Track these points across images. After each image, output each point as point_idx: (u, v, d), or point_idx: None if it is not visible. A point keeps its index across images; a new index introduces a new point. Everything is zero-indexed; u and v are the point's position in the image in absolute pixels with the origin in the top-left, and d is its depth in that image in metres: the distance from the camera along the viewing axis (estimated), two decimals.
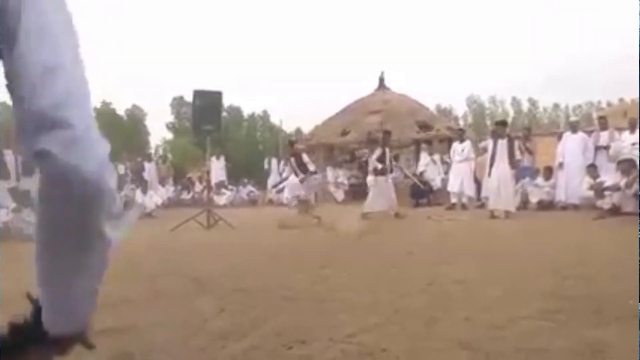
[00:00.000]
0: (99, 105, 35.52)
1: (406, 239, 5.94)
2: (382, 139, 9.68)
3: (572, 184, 9.40)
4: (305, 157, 8.69)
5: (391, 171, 9.49)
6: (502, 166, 8.26)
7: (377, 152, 9.10)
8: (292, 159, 8.89)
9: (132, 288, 3.44)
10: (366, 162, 14.00)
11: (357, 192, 13.49)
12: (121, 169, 13.56)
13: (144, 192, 11.34)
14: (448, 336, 2.25)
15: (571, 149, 9.75)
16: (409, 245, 5.30)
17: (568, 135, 10.09)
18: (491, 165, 8.47)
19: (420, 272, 3.82)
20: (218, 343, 2.27)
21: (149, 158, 16.99)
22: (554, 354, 2.01)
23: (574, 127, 10.23)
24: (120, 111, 36.60)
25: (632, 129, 9.26)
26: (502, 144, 8.32)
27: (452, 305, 2.79)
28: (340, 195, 13.30)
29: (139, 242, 6.56)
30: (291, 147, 9.42)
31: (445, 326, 2.41)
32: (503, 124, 9.20)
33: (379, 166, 8.90)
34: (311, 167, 8.66)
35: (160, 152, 28.90)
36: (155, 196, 11.79)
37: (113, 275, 3.68)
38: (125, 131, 32.79)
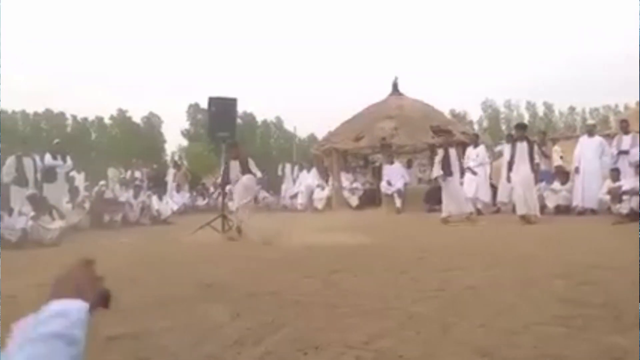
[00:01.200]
0: (115, 113, 36.13)
1: (417, 244, 5.91)
2: (443, 139, 9.54)
3: (588, 189, 9.25)
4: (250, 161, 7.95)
5: (462, 173, 9.05)
6: (523, 169, 8.09)
7: (440, 153, 8.83)
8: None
9: (146, 294, 3.47)
10: (379, 168, 13.99)
11: (371, 197, 13.49)
12: (137, 174, 13.75)
13: (160, 198, 11.46)
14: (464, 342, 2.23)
15: (587, 154, 9.60)
16: (421, 250, 5.28)
17: (585, 140, 9.94)
18: (509, 169, 8.34)
19: (433, 276, 3.80)
20: (234, 348, 2.28)
21: (175, 165, 17.25)
22: None
23: (590, 131, 10.09)
24: (137, 119, 37.11)
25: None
26: (522, 147, 8.14)
27: (468, 310, 2.77)
28: (354, 200, 13.27)
29: (155, 248, 6.66)
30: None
31: (460, 332, 2.40)
32: (523, 127, 9.00)
33: (440, 171, 8.59)
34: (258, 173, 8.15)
35: (176, 158, 29.11)
36: (171, 202, 11.91)
37: (127, 280, 3.74)
38: (141, 138, 33.21)
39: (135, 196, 10.62)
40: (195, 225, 7.71)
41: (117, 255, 5.61)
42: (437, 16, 68.09)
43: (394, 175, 12.60)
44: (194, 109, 37.17)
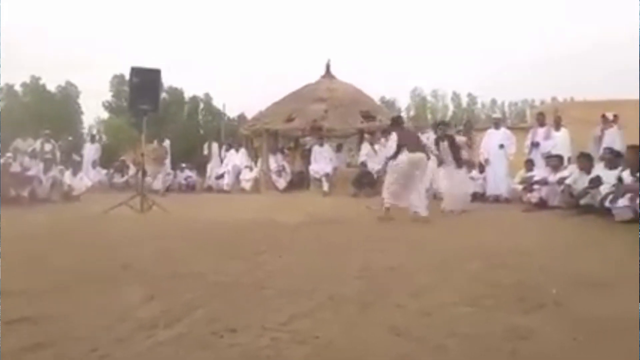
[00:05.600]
0: (28, 80, 33.24)
1: (343, 227, 6.00)
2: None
3: (498, 178, 9.86)
4: None
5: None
6: (449, 169, 7.85)
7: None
8: None
9: (54, 274, 3.23)
10: (309, 151, 13.99)
11: (299, 180, 13.50)
12: (47, 147, 12.68)
13: (75, 173, 10.73)
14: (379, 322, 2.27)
15: (494, 145, 10.17)
16: (346, 233, 5.35)
17: (492, 132, 10.50)
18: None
19: (357, 258, 3.85)
20: (145, 331, 2.16)
21: (92, 138, 16.16)
22: (481, 339, 2.07)
23: (496, 124, 10.68)
24: (52, 87, 34.36)
25: (556, 126, 9.83)
26: (445, 146, 7.81)
27: (386, 291, 2.83)
28: (282, 183, 13.19)
29: (67, 227, 6.22)
30: None
31: (377, 312, 2.44)
32: (445, 124, 8.82)
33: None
34: None
35: (94, 132, 27.38)
36: (86, 178, 11.17)
37: (35, 261, 3.47)
38: (55, 108, 30.83)
39: (46, 170, 9.85)
40: (111, 203, 7.30)
41: (25, 234, 5.18)
42: (372, 4, 68.85)
43: (323, 159, 12.69)
44: (118, 80, 35.02)
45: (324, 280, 3.10)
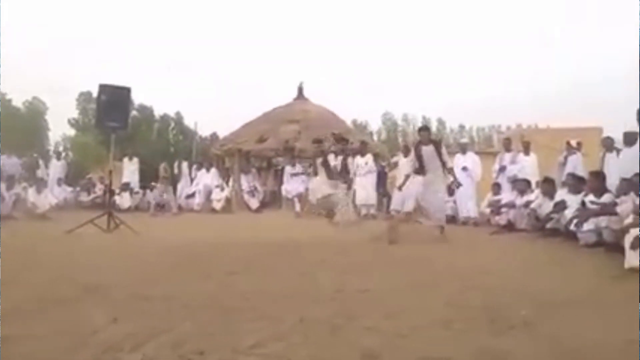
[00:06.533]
0: None
1: (316, 247, 5.96)
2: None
3: (464, 202, 10.03)
4: None
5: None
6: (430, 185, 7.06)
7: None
8: None
9: (13, 295, 3.08)
10: (282, 171, 13.98)
11: (271, 200, 13.41)
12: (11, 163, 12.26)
13: (39, 191, 10.37)
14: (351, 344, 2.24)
15: (460, 169, 10.35)
16: (320, 253, 5.32)
17: (459, 157, 10.70)
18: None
19: (331, 279, 3.82)
20: (109, 354, 2.08)
21: (57, 155, 15.70)
22: None
23: (463, 148, 10.91)
24: (18, 102, 33.44)
25: (525, 151, 10.15)
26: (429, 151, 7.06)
27: (359, 313, 2.80)
28: (254, 203, 13.09)
29: (29, 245, 5.98)
30: None
31: (349, 334, 2.41)
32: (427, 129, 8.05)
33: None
34: None
35: (61, 149, 26.66)
36: (51, 196, 10.81)
37: None
38: (21, 125, 29.94)
39: (9, 187, 9.51)
40: (77, 222, 7.08)
41: None
42: (346, 26, 70.15)
43: (296, 179, 12.69)
44: (84, 97, 34.37)
45: (296, 302, 3.06)
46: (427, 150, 6.95)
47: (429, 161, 6.91)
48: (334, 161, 10.70)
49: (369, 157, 11.63)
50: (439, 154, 6.91)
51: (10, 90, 32.56)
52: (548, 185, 7.65)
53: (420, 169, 7.00)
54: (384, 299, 3.23)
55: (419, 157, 6.98)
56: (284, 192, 12.76)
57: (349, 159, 10.61)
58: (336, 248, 5.94)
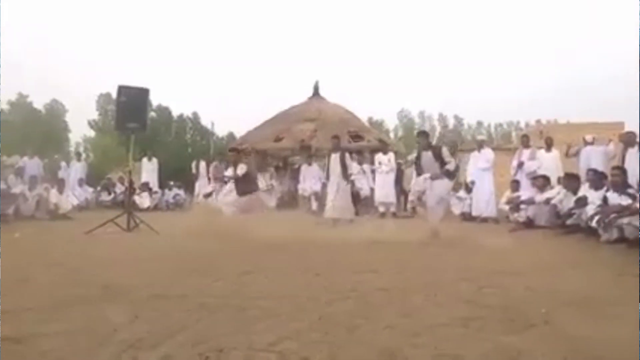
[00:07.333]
0: (14, 98, 33.02)
1: (332, 246, 5.96)
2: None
3: (482, 199, 9.93)
4: None
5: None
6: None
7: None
8: None
9: (38, 294, 3.16)
10: (298, 169, 14.00)
11: (288, 199, 13.43)
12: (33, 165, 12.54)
13: (60, 191, 10.57)
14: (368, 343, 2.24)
15: (477, 167, 10.29)
16: (336, 252, 5.31)
17: (475, 154, 10.61)
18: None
19: (346, 278, 3.82)
20: (129, 353, 2.11)
21: (78, 156, 16.05)
22: (471, 359, 2.04)
23: (479, 146, 10.80)
24: (39, 105, 34.12)
25: (548, 147, 10.02)
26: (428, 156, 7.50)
27: (376, 312, 2.80)
28: (271, 201, 13.14)
29: (51, 245, 6.11)
30: None
31: (366, 333, 2.40)
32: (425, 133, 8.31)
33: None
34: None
35: (81, 150, 27.16)
36: (72, 196, 11.02)
37: (19, 280, 3.39)
38: (42, 126, 30.56)
39: (31, 188, 9.71)
40: (98, 221, 7.20)
41: (8, 252, 5.06)
42: (360, 24, 69.97)
43: (312, 178, 12.69)
44: (104, 99, 34.92)
45: (312, 301, 3.07)
46: (426, 155, 7.11)
47: (427, 166, 7.09)
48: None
49: (390, 155, 11.59)
50: (438, 159, 7.04)
51: (31, 92, 33.31)
52: (571, 181, 7.53)
53: (419, 175, 7.28)
54: (401, 297, 3.21)
55: (418, 163, 7.25)
56: (300, 191, 12.79)
57: (347, 156, 10.13)
58: (352, 246, 5.93)
